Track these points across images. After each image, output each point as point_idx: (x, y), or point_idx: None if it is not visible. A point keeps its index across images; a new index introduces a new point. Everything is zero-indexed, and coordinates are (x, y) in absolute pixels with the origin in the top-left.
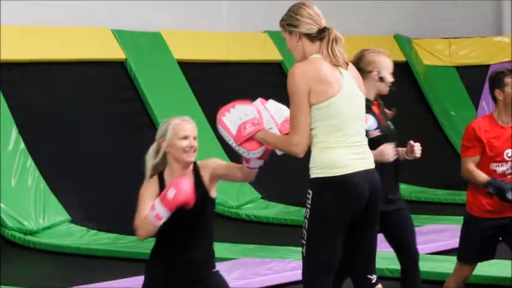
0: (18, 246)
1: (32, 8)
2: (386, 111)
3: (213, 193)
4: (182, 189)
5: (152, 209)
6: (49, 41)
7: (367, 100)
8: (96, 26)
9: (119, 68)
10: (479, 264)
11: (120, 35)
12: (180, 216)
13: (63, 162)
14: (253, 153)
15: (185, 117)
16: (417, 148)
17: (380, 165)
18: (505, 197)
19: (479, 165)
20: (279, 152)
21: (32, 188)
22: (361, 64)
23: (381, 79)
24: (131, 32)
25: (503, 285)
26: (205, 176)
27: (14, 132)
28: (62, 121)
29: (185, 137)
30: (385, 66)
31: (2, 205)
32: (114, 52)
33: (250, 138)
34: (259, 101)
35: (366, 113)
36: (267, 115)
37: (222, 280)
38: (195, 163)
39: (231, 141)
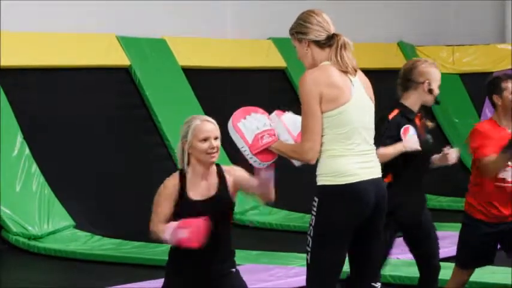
0: (23, 251)
1: (38, 14)
2: (427, 123)
3: (234, 198)
4: (194, 236)
5: (164, 230)
6: (55, 47)
7: (411, 112)
8: (101, 32)
9: (123, 74)
10: (481, 271)
11: (125, 42)
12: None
13: (68, 168)
14: (263, 164)
15: (205, 116)
16: (452, 156)
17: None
18: None
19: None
20: (296, 164)
21: (36, 193)
22: (412, 75)
23: (430, 91)
24: (136, 39)
25: None
26: (230, 181)
27: (19, 137)
28: (67, 127)
29: (205, 139)
30: (435, 78)
31: (6, 210)
32: (119, 58)
33: (265, 149)
34: (275, 113)
35: (408, 124)
36: (282, 127)
37: (241, 280)
38: (220, 166)
39: (245, 149)
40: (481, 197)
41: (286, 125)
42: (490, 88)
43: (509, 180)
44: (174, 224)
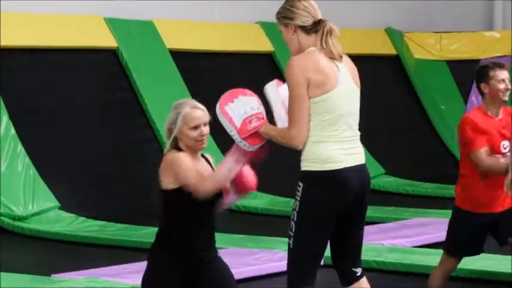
0: (7, 232)
1: None
2: None
3: None
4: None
5: (224, 165)
6: (41, 29)
7: None
8: (89, 14)
9: (110, 56)
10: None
11: (113, 23)
12: (205, 204)
13: (53, 149)
14: (253, 148)
15: (195, 102)
16: None
17: None
18: None
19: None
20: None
21: (21, 174)
22: None
23: None
24: (124, 21)
25: (505, 280)
26: (213, 164)
27: (5, 118)
28: (53, 108)
29: (196, 127)
30: None
31: None
32: (107, 40)
33: (254, 133)
34: (275, 81)
35: None
36: (277, 97)
37: (226, 264)
38: (203, 154)
39: (233, 133)
40: (469, 189)
41: (282, 98)
42: (477, 76)
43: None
44: (231, 155)
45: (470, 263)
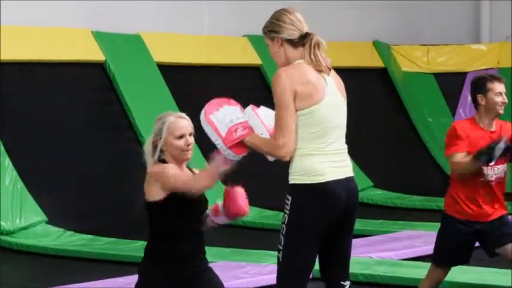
0: None
1: (11, 9)
2: None
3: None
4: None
5: (210, 167)
6: (29, 42)
7: None
8: (76, 27)
9: (98, 69)
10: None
11: (100, 37)
12: (194, 212)
13: (41, 163)
14: (238, 157)
15: (179, 113)
16: None
17: None
18: (500, 152)
19: None
20: (270, 159)
21: (9, 187)
22: None
23: None
24: (111, 34)
25: None
26: None
27: None
28: (41, 121)
29: (181, 136)
30: None
31: None
32: (94, 53)
33: (239, 142)
34: (250, 107)
35: None
36: (257, 121)
37: (217, 276)
38: (188, 166)
39: (218, 142)
40: (464, 192)
41: (261, 119)
42: (474, 87)
43: (494, 177)
44: (218, 156)
45: (457, 276)
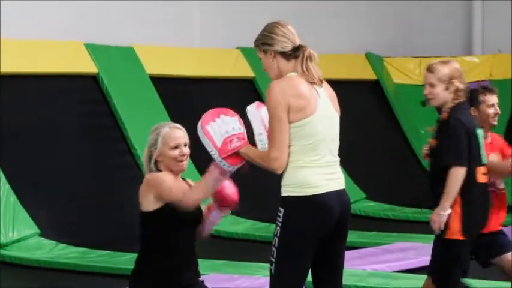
0: None
1: (6, 21)
2: None
3: None
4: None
5: (205, 179)
6: (21, 54)
7: None
8: (69, 39)
9: (91, 81)
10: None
11: (93, 49)
12: (187, 224)
13: (34, 175)
14: (233, 168)
15: (174, 123)
16: None
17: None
18: None
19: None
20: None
21: (1, 200)
22: None
23: None
24: (104, 46)
25: None
26: None
27: None
28: (34, 134)
29: (176, 146)
30: None
31: None
32: (87, 66)
33: (235, 153)
34: (256, 103)
35: None
36: (258, 118)
37: None
38: (183, 178)
39: (214, 152)
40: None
41: (262, 118)
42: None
43: (501, 186)
44: (213, 168)
45: None
